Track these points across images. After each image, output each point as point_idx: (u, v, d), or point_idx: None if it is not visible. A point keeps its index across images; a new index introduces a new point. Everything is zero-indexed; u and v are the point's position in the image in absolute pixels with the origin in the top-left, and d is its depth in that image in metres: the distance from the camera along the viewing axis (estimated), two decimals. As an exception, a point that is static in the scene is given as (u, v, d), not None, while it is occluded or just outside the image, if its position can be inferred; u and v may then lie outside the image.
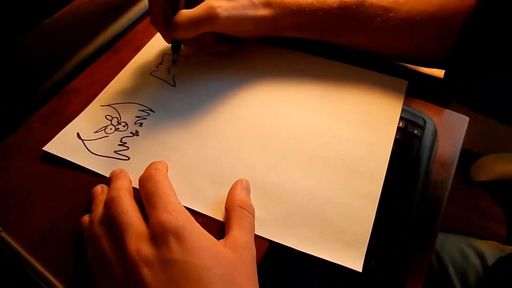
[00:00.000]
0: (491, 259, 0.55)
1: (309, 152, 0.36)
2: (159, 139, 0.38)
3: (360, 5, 0.39)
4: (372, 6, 0.38)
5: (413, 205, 0.45)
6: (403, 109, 0.53)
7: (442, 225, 0.51)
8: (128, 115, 0.39)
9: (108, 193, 0.31)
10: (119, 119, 0.39)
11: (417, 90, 0.59)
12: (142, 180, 0.30)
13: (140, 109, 0.40)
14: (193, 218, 0.28)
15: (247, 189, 0.33)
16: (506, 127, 0.49)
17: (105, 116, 0.39)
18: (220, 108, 0.40)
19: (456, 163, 0.52)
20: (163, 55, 0.46)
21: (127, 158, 0.36)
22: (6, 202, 0.34)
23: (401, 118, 0.52)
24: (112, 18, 0.48)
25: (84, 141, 0.37)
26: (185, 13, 0.37)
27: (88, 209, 0.32)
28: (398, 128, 0.51)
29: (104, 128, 0.38)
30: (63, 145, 0.37)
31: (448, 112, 0.57)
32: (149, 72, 0.44)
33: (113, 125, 0.39)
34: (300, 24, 0.40)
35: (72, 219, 0.33)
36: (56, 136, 0.37)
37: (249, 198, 0.32)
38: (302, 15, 0.40)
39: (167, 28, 0.39)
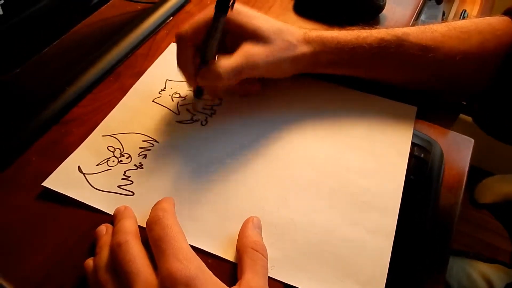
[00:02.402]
0: (499, 285, 0.54)
1: (319, 184, 0.35)
2: (165, 172, 0.36)
3: (400, 45, 0.38)
4: (412, 46, 0.38)
5: (423, 232, 0.44)
6: (408, 132, 0.53)
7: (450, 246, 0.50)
8: (131, 146, 0.38)
9: (113, 235, 0.29)
10: (122, 150, 0.38)
11: (421, 111, 0.58)
12: (150, 224, 0.29)
13: (144, 139, 0.39)
14: (205, 266, 0.27)
15: (259, 228, 0.32)
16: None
17: (107, 147, 0.38)
18: (226, 138, 0.39)
19: (463, 188, 0.51)
20: (165, 80, 0.44)
21: (132, 194, 0.35)
22: (2, 242, 0.32)
23: (407, 141, 0.52)
24: (112, 43, 0.47)
25: (86, 175, 0.36)
26: (226, 63, 0.35)
27: (91, 251, 0.31)
28: (405, 152, 0.50)
29: (106, 160, 0.37)
30: (64, 180, 0.35)
31: (453, 134, 0.57)
32: (152, 99, 0.42)
33: (116, 157, 0.37)
34: (338, 61, 0.40)
35: (73, 261, 0.31)
36: (56, 170, 0.36)
37: (261, 237, 0.31)
38: (340, 53, 0.39)
39: (193, 74, 0.37)
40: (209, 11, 0.35)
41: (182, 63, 0.38)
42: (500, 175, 0.64)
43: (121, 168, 0.36)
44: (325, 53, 0.39)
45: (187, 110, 0.41)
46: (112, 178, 0.35)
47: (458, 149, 0.55)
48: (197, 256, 0.27)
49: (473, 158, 0.54)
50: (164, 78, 0.44)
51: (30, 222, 0.33)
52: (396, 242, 0.42)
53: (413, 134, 0.52)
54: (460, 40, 0.38)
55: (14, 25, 0.37)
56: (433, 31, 0.39)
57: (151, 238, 0.28)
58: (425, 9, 0.74)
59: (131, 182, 0.35)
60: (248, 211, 0.33)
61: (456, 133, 0.57)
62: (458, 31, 0.38)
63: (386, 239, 0.32)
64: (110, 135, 0.39)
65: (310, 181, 0.35)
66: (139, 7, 0.53)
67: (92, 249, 0.31)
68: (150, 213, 0.30)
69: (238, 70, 0.36)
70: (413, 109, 0.42)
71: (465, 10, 0.80)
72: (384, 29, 0.40)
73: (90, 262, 0.30)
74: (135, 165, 0.36)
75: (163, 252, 0.26)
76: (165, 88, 0.43)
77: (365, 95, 0.43)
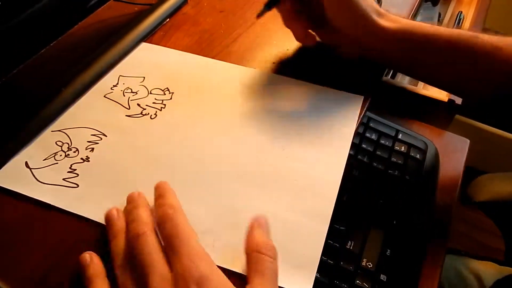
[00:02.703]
0: (488, 281, 0.55)
1: (262, 173, 0.36)
2: (110, 164, 0.37)
3: (473, 37, 0.39)
4: (484, 42, 0.38)
5: (419, 232, 0.45)
6: (404, 133, 0.53)
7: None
8: (80, 140, 0.38)
9: (130, 224, 0.30)
10: (70, 144, 0.38)
11: (417, 112, 0.59)
12: (160, 221, 0.29)
13: (92, 133, 0.39)
14: (215, 265, 0.27)
15: (262, 227, 0.31)
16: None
17: (56, 142, 0.38)
18: (174, 132, 0.39)
19: (459, 188, 0.51)
20: (118, 76, 0.45)
21: (76, 186, 0.35)
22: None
23: (403, 142, 0.52)
24: (109, 44, 0.47)
25: (32, 170, 0.36)
26: None
27: (93, 245, 0.31)
28: (401, 153, 0.51)
29: (54, 154, 0.37)
30: (10, 175, 0.35)
31: (449, 135, 0.57)
32: (103, 94, 0.43)
33: (64, 151, 0.37)
34: (412, 44, 0.40)
35: (72, 261, 0.31)
36: (4, 166, 0.36)
37: (267, 237, 0.31)
38: (415, 35, 0.40)
39: None
40: None
41: None
42: (493, 173, 0.64)
43: (68, 161, 0.37)
44: (401, 33, 0.40)
45: (138, 104, 0.42)
46: (58, 172, 0.36)
47: (453, 150, 0.56)
48: (208, 255, 0.28)
49: (470, 158, 0.55)
50: (117, 73, 0.45)
51: (28, 221, 0.33)
52: (394, 242, 0.42)
53: (408, 134, 0.53)
54: None
55: (11, 26, 0.38)
56: (500, 35, 0.39)
57: (163, 235, 0.29)
58: (421, 10, 0.75)
59: (76, 175, 0.36)
60: (191, 201, 0.34)
61: (451, 133, 0.57)
62: None
63: (322, 223, 0.33)
64: (59, 130, 0.39)
65: (253, 170, 0.36)
66: (136, 8, 0.53)
67: (91, 249, 0.31)
68: (157, 207, 0.30)
69: None
70: (360, 98, 0.42)
71: (461, 12, 0.81)
72: None
73: (86, 255, 0.30)
74: (81, 158, 0.37)
75: (176, 250, 0.27)
76: (117, 83, 0.44)
77: (311, 86, 0.43)
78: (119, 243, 0.29)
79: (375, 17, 0.40)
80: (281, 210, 0.34)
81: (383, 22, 0.40)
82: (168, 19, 0.52)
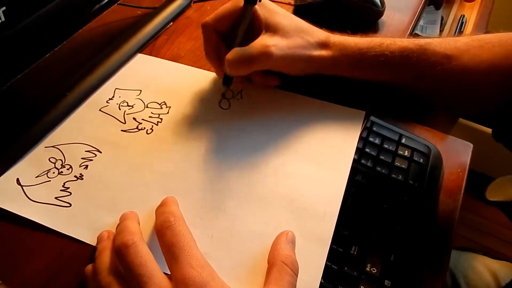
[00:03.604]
0: (505, 279, 0.55)
1: (260, 192, 0.35)
2: (105, 182, 0.35)
3: (423, 53, 0.38)
4: (434, 54, 0.38)
5: (423, 237, 0.44)
6: (407, 137, 0.53)
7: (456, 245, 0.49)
8: (73, 157, 0.37)
9: (117, 235, 0.29)
10: (63, 161, 0.37)
11: (420, 116, 0.59)
12: (161, 228, 0.29)
13: (87, 149, 0.38)
14: (216, 273, 0.27)
15: (292, 242, 0.31)
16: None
17: (49, 159, 0.37)
18: (170, 147, 0.38)
19: (462, 192, 0.51)
20: (114, 89, 0.43)
21: (69, 205, 0.34)
22: (3, 248, 0.32)
23: (406, 146, 0.52)
24: (113, 48, 0.47)
25: (24, 187, 0.35)
26: (238, 52, 0.36)
27: (92, 259, 0.31)
28: (404, 157, 0.51)
29: (46, 172, 0.36)
30: (1, 192, 0.34)
31: (452, 139, 0.57)
32: (99, 108, 0.42)
33: (57, 168, 0.36)
34: (359, 67, 0.40)
35: (74, 268, 0.31)
36: None
37: (294, 252, 0.30)
38: (362, 59, 0.39)
39: (220, 63, 0.39)
40: (235, 1, 0.37)
41: (207, 52, 0.40)
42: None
43: (61, 179, 0.36)
44: (346, 58, 0.39)
45: (134, 118, 0.41)
46: (50, 190, 0.35)
47: (457, 154, 0.56)
48: (209, 264, 0.27)
49: (473, 162, 0.55)
50: (113, 86, 0.44)
51: (31, 228, 0.33)
52: (398, 247, 0.42)
53: (412, 138, 0.53)
54: (483, 49, 0.37)
55: (16, 31, 0.38)
56: (456, 40, 0.39)
57: (163, 243, 0.28)
58: (424, 14, 0.75)
59: (69, 194, 0.35)
60: (187, 220, 0.31)
61: (454, 137, 0.57)
62: (482, 42, 0.38)
63: (322, 246, 0.32)
64: (53, 146, 0.38)
65: (250, 188, 0.35)
66: (139, 12, 0.53)
67: (93, 257, 0.31)
68: (158, 215, 0.30)
69: (250, 59, 0.36)
70: (361, 114, 0.41)
71: (464, 16, 0.81)
72: (407, 39, 0.40)
73: (90, 267, 0.30)
74: (75, 176, 0.36)
75: (177, 258, 0.27)
76: (113, 96, 0.43)
77: (313, 101, 0.42)
78: (104, 259, 0.29)
79: (315, 52, 0.39)
80: (277, 232, 0.32)
81: (319, 52, 0.39)
82: (171, 23, 0.52)
